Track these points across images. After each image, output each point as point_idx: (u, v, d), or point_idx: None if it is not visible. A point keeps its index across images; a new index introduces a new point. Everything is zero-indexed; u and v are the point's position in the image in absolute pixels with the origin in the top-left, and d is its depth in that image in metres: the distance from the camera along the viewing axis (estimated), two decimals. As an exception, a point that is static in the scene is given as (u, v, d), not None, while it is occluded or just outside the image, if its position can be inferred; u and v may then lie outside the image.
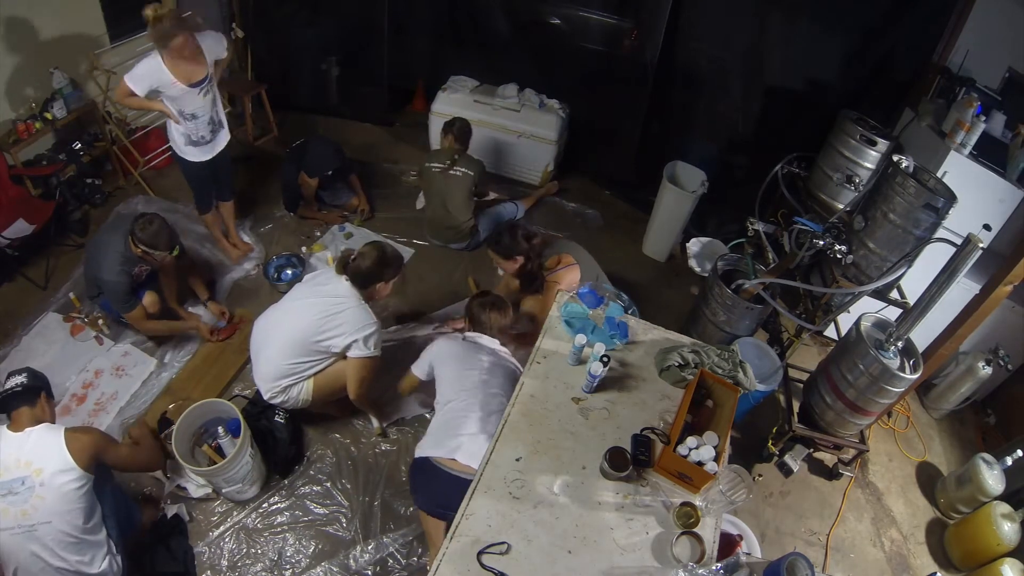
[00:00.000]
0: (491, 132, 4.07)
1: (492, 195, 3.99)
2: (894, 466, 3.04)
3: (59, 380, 2.70)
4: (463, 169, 3.44)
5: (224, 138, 3.03)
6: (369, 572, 2.30)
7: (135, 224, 2.54)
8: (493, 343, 2.43)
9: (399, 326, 3.18)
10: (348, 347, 2.35)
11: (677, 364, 2.04)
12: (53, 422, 1.92)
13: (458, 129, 3.51)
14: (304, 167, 3.52)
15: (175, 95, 2.70)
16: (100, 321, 2.89)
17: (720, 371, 2.02)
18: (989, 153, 2.80)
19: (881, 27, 3.34)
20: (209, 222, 3.31)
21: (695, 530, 1.63)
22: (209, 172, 3.04)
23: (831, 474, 2.87)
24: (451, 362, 2.28)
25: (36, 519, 1.75)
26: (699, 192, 3.64)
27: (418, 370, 2.38)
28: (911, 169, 2.50)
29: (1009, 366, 3.05)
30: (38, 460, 1.77)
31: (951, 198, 2.34)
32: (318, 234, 3.67)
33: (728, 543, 2.15)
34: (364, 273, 2.36)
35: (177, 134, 2.86)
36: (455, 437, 2.09)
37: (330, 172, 3.65)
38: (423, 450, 2.14)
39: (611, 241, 3.96)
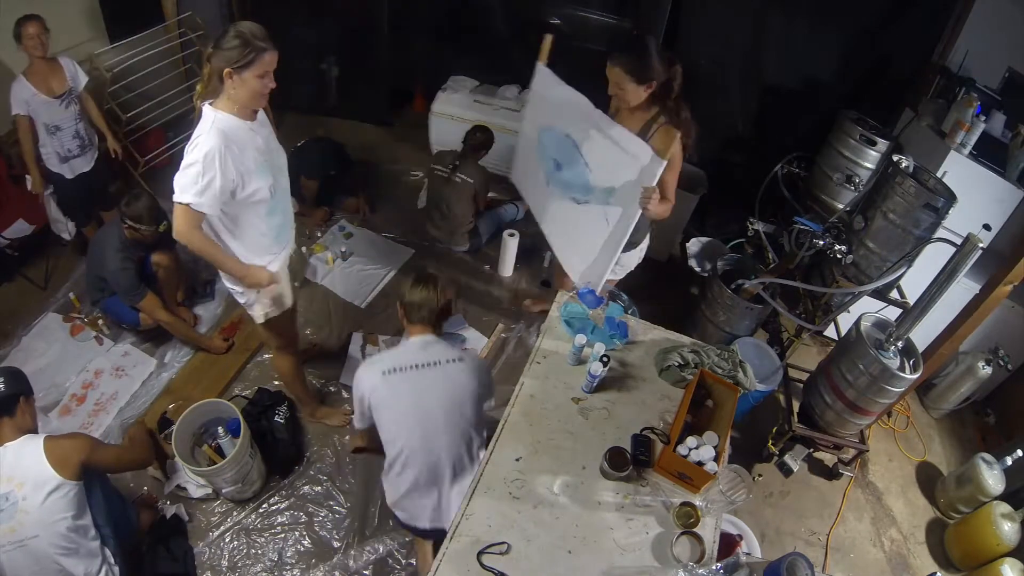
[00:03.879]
0: (491, 132, 4.07)
1: (492, 195, 3.99)
2: (894, 466, 3.04)
3: (59, 380, 2.71)
4: (464, 176, 3.44)
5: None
6: (368, 572, 2.30)
7: (123, 202, 2.56)
8: (441, 349, 1.88)
9: (398, 337, 3.15)
10: None
11: (677, 364, 2.04)
12: (35, 426, 1.87)
13: (476, 137, 3.51)
14: (302, 170, 3.51)
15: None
16: (100, 321, 2.89)
17: (720, 371, 2.02)
18: (989, 153, 2.81)
19: (880, 27, 3.34)
20: None
21: (695, 530, 1.63)
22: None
23: (831, 474, 2.87)
24: (383, 407, 1.84)
25: (24, 534, 1.72)
26: (699, 192, 3.64)
27: (359, 422, 1.95)
28: (911, 169, 2.50)
29: (1009, 366, 3.05)
30: (19, 475, 1.73)
31: (951, 198, 2.34)
32: (319, 234, 3.67)
33: (728, 543, 2.15)
34: None
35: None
36: (417, 506, 1.94)
37: (332, 173, 3.65)
38: (390, 499, 2.02)
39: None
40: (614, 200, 2.15)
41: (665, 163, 1.92)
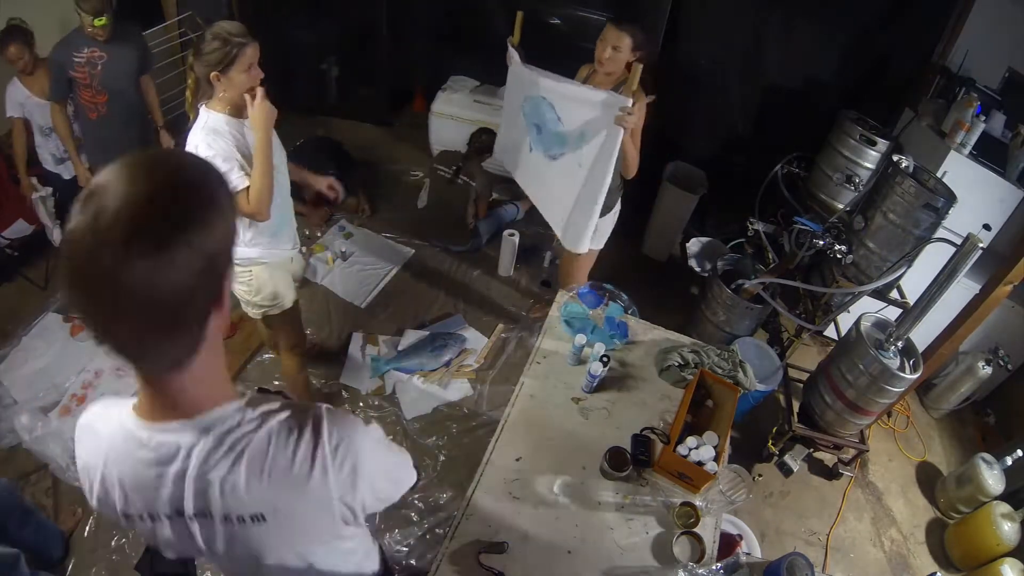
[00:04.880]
0: (491, 132, 4.08)
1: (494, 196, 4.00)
2: (894, 466, 3.04)
3: (59, 380, 2.71)
4: (467, 178, 3.47)
5: None
6: (369, 572, 2.30)
7: None
8: None
9: (398, 337, 3.14)
10: None
11: (677, 364, 2.04)
12: None
13: (481, 139, 3.55)
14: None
15: None
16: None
17: (720, 371, 2.02)
18: (989, 153, 2.81)
19: (880, 27, 3.35)
20: None
21: (695, 530, 1.63)
22: None
23: (831, 474, 2.87)
24: None
25: None
26: (699, 192, 3.64)
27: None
28: (911, 169, 2.50)
29: (1009, 366, 3.05)
30: None
31: (951, 198, 2.34)
32: (319, 235, 3.67)
33: (728, 543, 2.15)
34: None
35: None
36: None
37: (332, 172, 3.65)
38: None
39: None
40: (586, 143, 2.26)
41: (631, 100, 2.03)
